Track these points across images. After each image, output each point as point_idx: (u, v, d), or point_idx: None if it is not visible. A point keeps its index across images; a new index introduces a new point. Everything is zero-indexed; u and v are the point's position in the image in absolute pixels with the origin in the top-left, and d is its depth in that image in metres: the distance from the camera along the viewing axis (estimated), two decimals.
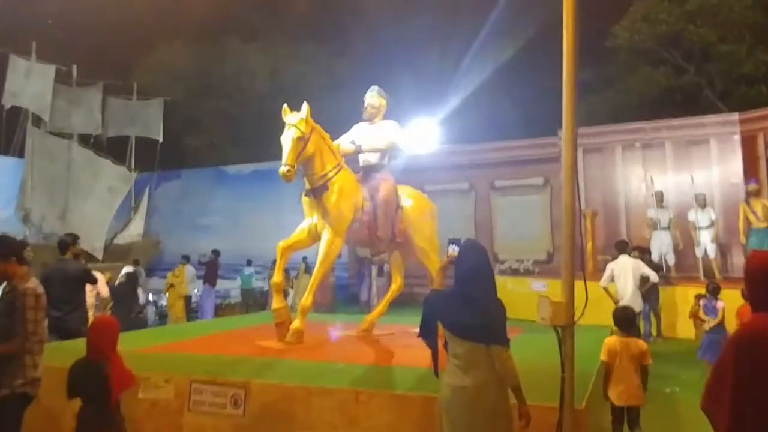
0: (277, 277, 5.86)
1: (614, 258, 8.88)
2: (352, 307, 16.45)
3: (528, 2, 18.78)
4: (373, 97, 6.43)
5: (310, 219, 5.84)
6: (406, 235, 6.30)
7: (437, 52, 24.33)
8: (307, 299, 5.71)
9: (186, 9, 26.02)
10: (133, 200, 23.63)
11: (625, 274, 8.30)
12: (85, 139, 22.20)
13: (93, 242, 20.66)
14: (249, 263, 16.96)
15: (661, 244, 12.24)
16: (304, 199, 5.87)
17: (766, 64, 18.65)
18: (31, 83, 20.30)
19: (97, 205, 21.91)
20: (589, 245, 13.43)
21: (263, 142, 20.27)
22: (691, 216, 12.30)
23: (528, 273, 15.34)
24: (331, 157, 5.76)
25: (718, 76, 19.71)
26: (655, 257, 11.81)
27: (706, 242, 12.01)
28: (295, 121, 5.40)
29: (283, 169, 5.17)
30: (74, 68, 21.78)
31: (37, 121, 20.73)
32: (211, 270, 14.72)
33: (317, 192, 5.61)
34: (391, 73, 20.37)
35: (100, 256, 20.70)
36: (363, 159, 6.38)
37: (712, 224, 12.16)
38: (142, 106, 24.05)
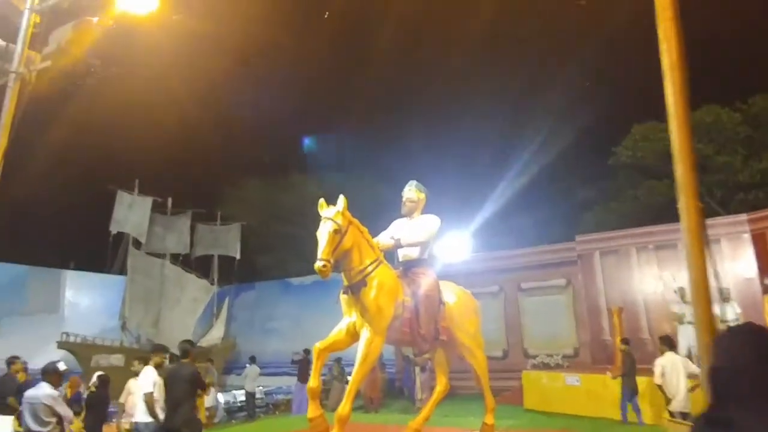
0: (313, 381, 4.46)
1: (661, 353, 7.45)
2: (399, 402, 15.02)
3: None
4: (411, 191, 5.30)
5: (349, 317, 4.60)
6: (449, 333, 5.02)
7: (467, 174, 24.10)
8: (344, 407, 4.32)
9: (259, 151, 26.81)
10: (215, 308, 22.94)
11: (677, 372, 6.91)
12: (175, 258, 22.06)
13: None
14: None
15: (689, 338, 10.49)
16: (342, 297, 4.64)
17: (760, 171, 17.47)
18: (133, 213, 20.66)
19: (184, 313, 21.58)
20: (617, 340, 11.83)
21: None
22: (716, 310, 10.56)
23: (558, 367, 13.75)
24: (369, 251, 4.61)
25: (717, 185, 18.44)
26: (683, 351, 10.10)
27: None
28: (331, 214, 4.32)
29: (318, 264, 4.07)
30: (169, 200, 22.18)
31: (137, 244, 20.75)
32: (303, 367, 13.13)
33: (355, 288, 4.42)
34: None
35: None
36: (402, 254, 5.18)
37: (737, 317, 10.40)
38: (224, 230, 23.98)
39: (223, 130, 27.26)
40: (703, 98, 17.06)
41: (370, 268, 4.45)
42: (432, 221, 5.20)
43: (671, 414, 6.91)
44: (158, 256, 21.44)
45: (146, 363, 7.72)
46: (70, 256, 20.15)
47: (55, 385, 6.75)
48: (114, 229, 20.17)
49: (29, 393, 6.42)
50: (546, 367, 13.95)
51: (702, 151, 17.60)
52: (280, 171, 26.25)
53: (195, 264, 22.84)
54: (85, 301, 20.09)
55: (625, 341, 9.56)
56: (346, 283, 4.46)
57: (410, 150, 25.39)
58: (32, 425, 6.19)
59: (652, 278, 14.12)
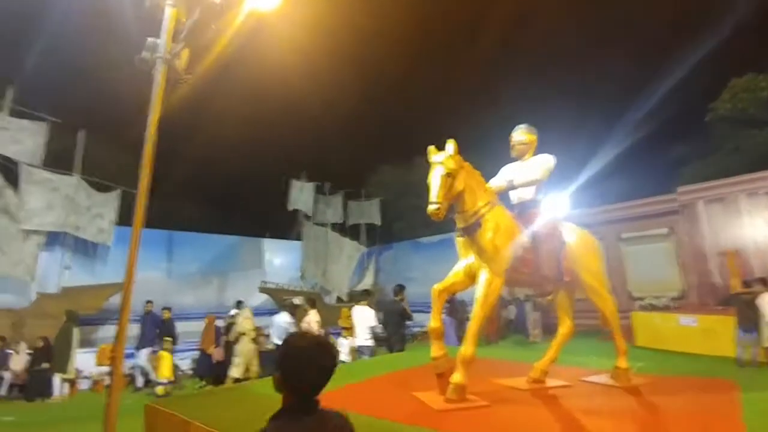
0: (435, 321, 3.82)
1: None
2: (514, 336, 14.76)
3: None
4: (521, 133, 4.40)
5: (466, 259, 3.88)
6: (573, 273, 4.12)
7: (571, 135, 22.63)
8: (467, 348, 3.55)
9: (392, 140, 27.56)
10: (365, 263, 24.20)
11: None
12: (334, 226, 23.42)
13: (342, 289, 21.74)
14: None
15: None
16: (458, 240, 3.92)
17: None
18: (303, 194, 22.35)
19: (342, 267, 22.85)
20: (734, 281, 10.55)
21: (444, 222, 20.52)
22: None
23: (666, 308, 12.67)
24: (482, 193, 3.81)
25: None
26: None
27: None
28: (441, 158, 3.63)
29: (431, 207, 3.45)
30: (326, 185, 23.60)
31: (307, 217, 22.41)
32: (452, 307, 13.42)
33: (470, 230, 3.70)
34: None
35: (345, 298, 21.50)
36: (517, 196, 4.31)
37: None
38: (367, 204, 25.04)
39: (366, 123, 28.57)
40: None
41: (484, 210, 3.71)
42: (546, 159, 4.25)
43: None
44: (322, 226, 22.98)
45: (313, 306, 8.51)
46: (266, 227, 22.56)
47: (292, 314, 8.02)
48: (291, 207, 22.05)
49: (276, 318, 7.71)
50: (654, 308, 12.92)
51: None
52: (409, 156, 26.91)
53: (348, 231, 24.21)
54: (277, 260, 22.29)
55: (746, 283, 8.42)
56: (460, 225, 3.77)
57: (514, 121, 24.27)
58: (277, 341, 7.51)
59: (763, 223, 12.47)
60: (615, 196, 17.06)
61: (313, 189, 22.68)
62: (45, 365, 9.59)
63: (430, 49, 29.26)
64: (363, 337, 7.19)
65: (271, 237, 22.58)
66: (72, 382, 9.86)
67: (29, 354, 10.09)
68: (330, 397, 1.61)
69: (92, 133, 15.61)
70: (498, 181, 4.32)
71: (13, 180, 13.58)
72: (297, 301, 8.54)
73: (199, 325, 11.00)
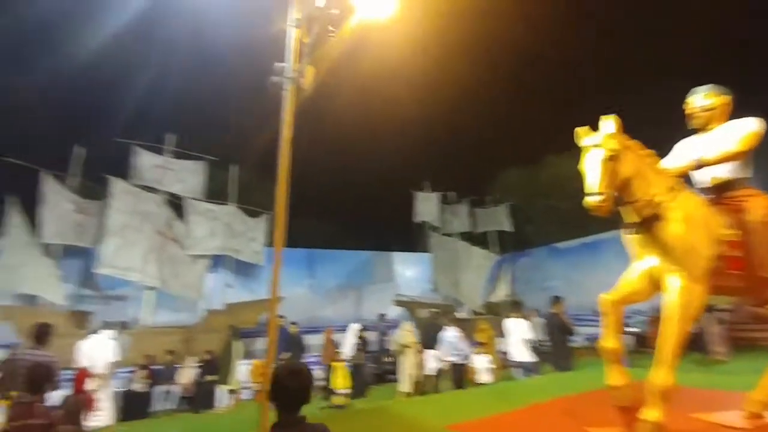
0: (609, 340, 3.01)
1: None
2: (690, 355, 12.24)
3: None
4: (704, 97, 3.32)
5: (642, 261, 3.04)
6: None
7: None
8: (665, 376, 2.70)
9: (516, 143, 26.00)
10: (498, 273, 22.92)
11: None
12: (462, 235, 22.70)
13: (475, 301, 20.76)
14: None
15: None
16: (631, 238, 3.07)
17: None
18: (427, 205, 22.05)
19: (474, 277, 21.92)
20: None
21: (583, 224, 18.38)
22: None
23: None
24: (657, 178, 2.96)
25: None
26: None
27: None
28: (599, 140, 2.84)
29: (592, 199, 2.68)
30: (449, 194, 23.03)
31: (434, 228, 22.01)
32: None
33: (647, 224, 2.88)
34: None
35: (480, 310, 20.50)
36: (710, 176, 3.27)
37: None
38: (495, 210, 23.77)
39: (487, 130, 27.56)
40: None
41: (663, 197, 2.88)
42: (746, 124, 3.14)
43: None
44: (449, 236, 22.40)
45: (450, 320, 8.33)
46: (395, 241, 22.91)
47: (461, 328, 7.85)
48: (417, 219, 21.91)
49: (444, 334, 7.52)
50: None
51: None
52: (536, 156, 25.10)
53: (477, 239, 23.20)
54: (408, 272, 22.37)
55: None
56: (633, 219, 2.95)
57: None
58: (446, 355, 7.31)
59: None
60: None
61: (438, 199, 22.28)
62: (211, 377, 10.33)
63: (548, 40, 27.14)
64: (519, 352, 6.53)
65: (401, 250, 22.73)
66: (235, 393, 10.50)
67: (197, 367, 11.00)
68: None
69: (242, 165, 17.62)
70: (675, 161, 3.35)
71: (180, 213, 15.86)
72: (462, 314, 8.38)
73: (341, 337, 11.25)
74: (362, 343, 10.56)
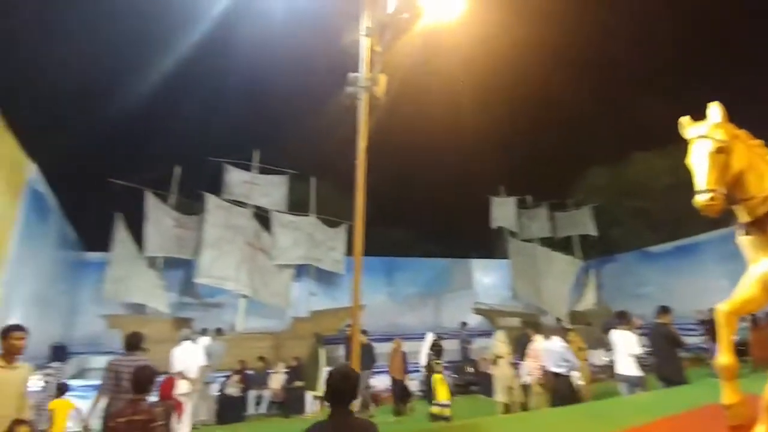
0: (725, 356, 2.69)
1: None
2: None
3: None
4: None
5: (758, 266, 2.67)
6: None
7: None
8: None
9: (596, 142, 24.45)
10: (584, 279, 21.52)
11: None
12: (542, 241, 21.56)
13: (560, 310, 19.58)
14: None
15: None
16: (744, 240, 2.73)
17: None
18: (504, 211, 21.26)
19: (557, 284, 20.62)
20: None
21: (677, 225, 17.68)
22: None
23: None
24: None
25: None
26: None
27: None
28: (705, 130, 2.58)
29: (702, 198, 2.43)
30: (527, 197, 22.06)
31: (511, 233, 21.19)
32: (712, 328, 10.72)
33: (762, 223, 2.57)
34: None
35: (565, 320, 19.26)
36: None
37: None
38: (577, 213, 22.35)
39: (566, 129, 26.23)
40: None
41: None
42: None
43: None
44: (528, 241, 21.42)
45: (537, 330, 7.76)
46: (472, 247, 22.41)
47: (564, 338, 7.39)
48: (494, 224, 21.22)
49: (549, 345, 7.10)
50: None
51: None
52: (621, 154, 23.37)
53: (558, 244, 21.96)
54: (487, 279, 21.71)
55: None
56: (746, 218, 2.64)
57: None
58: (552, 366, 6.89)
59: None
60: None
61: (515, 204, 21.48)
62: (298, 383, 10.53)
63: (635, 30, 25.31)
64: (626, 366, 6.01)
65: (478, 257, 22.17)
66: (322, 399, 10.51)
67: (285, 373, 11.29)
68: None
69: (320, 177, 18.27)
70: None
71: (266, 225, 16.70)
72: (567, 325, 7.92)
73: (417, 345, 11.08)
74: (437, 353, 10.25)
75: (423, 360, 10.31)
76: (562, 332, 7.44)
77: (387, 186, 20.95)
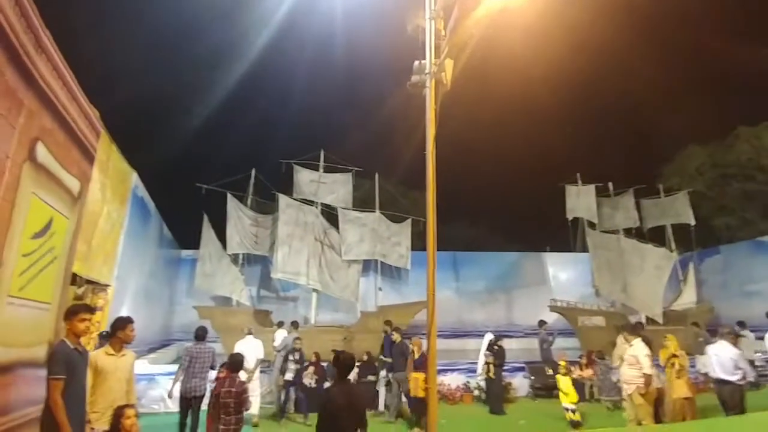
0: None
1: None
2: None
3: None
4: None
5: None
6: None
7: None
8: None
9: (691, 120, 21.49)
10: (680, 274, 18.99)
11: None
12: (628, 232, 19.31)
13: (653, 309, 17.43)
14: None
15: None
16: None
17: None
18: (581, 200, 19.35)
19: (649, 280, 18.30)
20: None
21: None
22: None
23: None
24: None
25: None
26: None
27: None
28: None
29: None
30: (610, 184, 19.89)
31: (591, 225, 19.28)
32: None
33: None
34: None
35: (660, 320, 17.12)
36: None
37: None
38: (669, 200, 19.79)
39: (652, 105, 23.50)
40: None
41: None
42: None
43: None
44: (611, 233, 19.32)
45: (635, 333, 6.74)
46: (546, 241, 20.89)
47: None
48: (570, 215, 19.52)
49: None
50: None
51: None
52: (720, 130, 20.35)
53: (648, 235, 19.56)
54: (563, 275, 20.18)
55: None
56: None
57: None
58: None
59: None
60: None
61: (593, 192, 19.48)
62: (371, 378, 10.23)
63: None
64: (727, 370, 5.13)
65: (553, 250, 20.63)
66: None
67: (357, 367, 11.07)
68: None
69: (383, 173, 18.25)
70: None
71: (334, 222, 17.01)
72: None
73: (477, 344, 10.47)
74: (496, 355, 9.44)
75: (480, 362, 9.68)
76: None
77: (452, 178, 20.32)
